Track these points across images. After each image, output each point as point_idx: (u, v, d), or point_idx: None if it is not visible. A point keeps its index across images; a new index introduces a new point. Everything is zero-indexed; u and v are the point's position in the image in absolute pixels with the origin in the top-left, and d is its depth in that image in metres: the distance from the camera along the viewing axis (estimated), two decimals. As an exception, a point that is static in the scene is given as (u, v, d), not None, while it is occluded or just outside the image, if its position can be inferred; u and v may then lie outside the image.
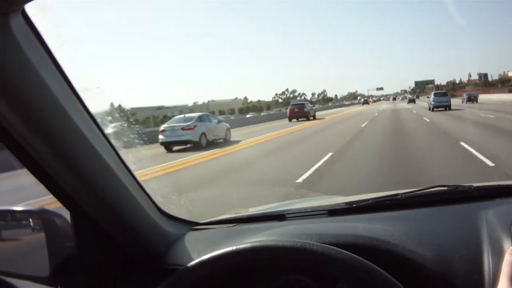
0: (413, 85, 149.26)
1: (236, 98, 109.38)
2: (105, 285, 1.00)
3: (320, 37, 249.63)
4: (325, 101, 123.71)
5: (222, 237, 1.10)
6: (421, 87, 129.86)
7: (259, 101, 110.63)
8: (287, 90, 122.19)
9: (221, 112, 63.04)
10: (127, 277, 1.02)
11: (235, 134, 16.56)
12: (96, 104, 0.94)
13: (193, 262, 0.85)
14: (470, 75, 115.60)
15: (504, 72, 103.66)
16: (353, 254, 0.80)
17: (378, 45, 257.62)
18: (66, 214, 0.96)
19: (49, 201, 1.00)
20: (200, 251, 0.93)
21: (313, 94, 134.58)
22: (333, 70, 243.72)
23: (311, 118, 28.96)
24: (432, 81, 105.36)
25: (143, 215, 1.00)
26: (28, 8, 0.69)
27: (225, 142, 14.48)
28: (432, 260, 0.87)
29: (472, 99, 36.93)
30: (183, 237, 1.12)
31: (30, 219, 1.01)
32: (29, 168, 0.83)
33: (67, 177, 0.84)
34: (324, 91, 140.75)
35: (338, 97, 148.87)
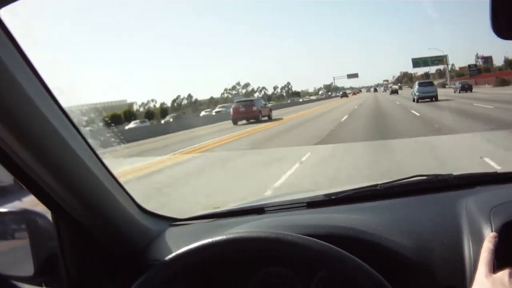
0: (397, 74, 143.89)
1: (179, 96, 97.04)
2: (88, 282, 1.09)
3: (284, 21, 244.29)
4: (290, 95, 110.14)
5: (201, 232, 1.20)
6: (409, 76, 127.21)
7: (212, 98, 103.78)
8: (238, 83, 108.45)
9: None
10: (110, 274, 1.11)
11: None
12: (71, 104, 1.08)
13: (169, 256, 0.94)
14: (477, 56, 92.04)
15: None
16: (328, 244, 0.89)
17: (354, 30, 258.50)
18: (49, 214, 1.05)
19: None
20: (179, 246, 0.97)
21: (275, 88, 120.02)
22: (302, 60, 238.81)
23: (264, 118, 25.01)
24: (442, 58, 73.60)
25: (122, 212, 1.10)
26: (1, 12, 0.78)
27: None
28: (411, 249, 0.97)
29: (466, 88, 37.19)
30: (163, 233, 1.23)
31: (12, 220, 1.12)
32: (8, 168, 0.90)
33: (45, 177, 0.91)
34: (289, 83, 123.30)
35: (310, 90, 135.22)
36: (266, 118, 25.41)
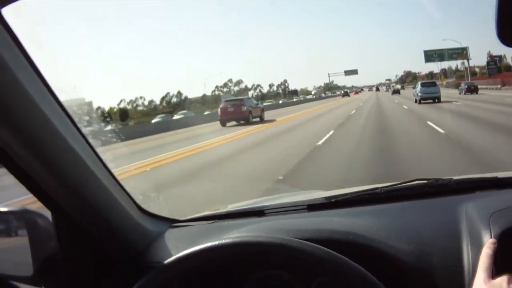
0: (400, 73, 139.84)
1: (168, 93, 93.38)
2: (87, 284, 1.11)
3: (281, 16, 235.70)
4: (287, 94, 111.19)
5: (201, 234, 1.22)
6: (413, 75, 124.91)
7: (204, 95, 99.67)
8: (230, 80, 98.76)
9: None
10: (109, 276, 1.13)
11: None
12: (73, 104, 1.10)
13: (169, 259, 0.95)
14: (489, 54, 69.66)
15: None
16: (328, 250, 0.90)
17: (356, 27, 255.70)
18: (49, 214, 1.06)
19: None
20: (179, 248, 1.00)
21: (271, 86, 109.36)
22: (301, 56, 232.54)
23: (255, 119, 23.22)
24: (462, 52, 59.89)
25: (122, 213, 1.11)
26: (5, 11, 0.80)
27: None
28: (411, 253, 0.98)
29: (471, 89, 36.56)
30: (163, 235, 1.25)
31: (12, 220, 1.13)
32: (8, 168, 0.92)
33: (46, 177, 0.93)
34: (285, 81, 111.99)
35: (310, 89, 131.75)
36: (257, 119, 24.24)
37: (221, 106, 23.99)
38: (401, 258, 0.98)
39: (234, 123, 22.80)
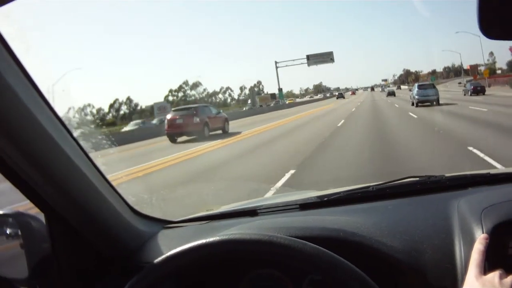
0: (398, 73, 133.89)
1: (116, 100, 75.12)
2: (81, 284, 1.15)
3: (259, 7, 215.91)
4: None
5: (194, 234, 1.26)
6: (416, 75, 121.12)
7: (167, 101, 74.36)
8: (185, 83, 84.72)
9: None
10: (102, 276, 1.17)
11: None
12: (63, 106, 1.22)
13: (160, 258, 0.97)
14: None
15: None
16: (319, 247, 0.92)
17: (350, 27, 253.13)
18: (42, 216, 1.10)
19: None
20: (172, 248, 1.00)
21: (242, 89, 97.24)
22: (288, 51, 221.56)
23: (216, 132, 19.46)
24: None
25: (114, 214, 1.15)
26: None
27: None
28: (402, 250, 1.01)
29: (478, 90, 35.57)
30: (156, 236, 1.30)
31: (6, 222, 1.16)
32: (1, 171, 0.95)
33: (38, 179, 0.97)
34: (259, 83, 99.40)
35: (295, 92, 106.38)
36: (219, 131, 20.44)
37: (168, 117, 19.82)
38: (392, 255, 1.00)
39: (185, 138, 19.03)
